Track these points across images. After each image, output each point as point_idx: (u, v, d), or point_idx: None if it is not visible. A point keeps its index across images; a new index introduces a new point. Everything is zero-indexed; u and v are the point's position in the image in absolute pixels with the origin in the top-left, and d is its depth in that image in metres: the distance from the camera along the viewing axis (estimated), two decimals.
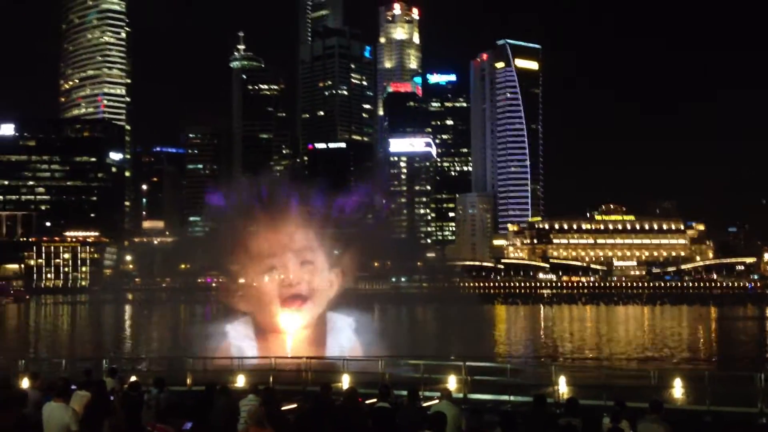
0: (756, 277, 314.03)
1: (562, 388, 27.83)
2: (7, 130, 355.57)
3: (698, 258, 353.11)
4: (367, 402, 19.59)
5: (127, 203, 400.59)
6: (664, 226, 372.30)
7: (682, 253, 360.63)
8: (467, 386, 28.39)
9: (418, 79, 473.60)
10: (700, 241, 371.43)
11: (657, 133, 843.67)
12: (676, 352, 68.10)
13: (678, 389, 28.82)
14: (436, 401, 18.74)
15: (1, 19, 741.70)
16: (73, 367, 34.15)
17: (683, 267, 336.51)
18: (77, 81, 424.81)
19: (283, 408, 17.84)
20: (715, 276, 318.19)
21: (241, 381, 30.34)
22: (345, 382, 29.06)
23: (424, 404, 18.68)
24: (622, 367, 49.27)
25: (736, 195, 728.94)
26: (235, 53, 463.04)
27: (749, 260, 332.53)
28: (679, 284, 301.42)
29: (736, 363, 56.28)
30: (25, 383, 25.29)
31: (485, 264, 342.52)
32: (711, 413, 24.07)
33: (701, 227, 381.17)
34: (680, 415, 22.48)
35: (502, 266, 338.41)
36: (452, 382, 28.41)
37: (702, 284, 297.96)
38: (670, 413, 15.51)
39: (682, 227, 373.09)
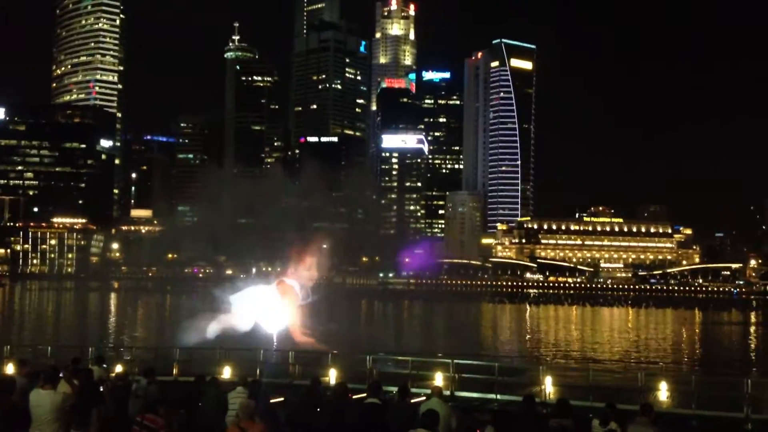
0: (741, 282, 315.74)
1: (549, 388, 27.85)
2: None
3: (685, 262, 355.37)
4: (356, 397, 19.55)
5: (115, 191, 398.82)
6: (652, 230, 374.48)
7: (669, 257, 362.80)
8: (455, 384, 28.38)
9: (412, 76, 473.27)
10: (687, 245, 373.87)
11: (648, 137, 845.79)
12: (661, 355, 68.39)
13: (664, 392, 28.89)
14: (424, 398, 18.73)
15: None
16: (59, 354, 33.95)
17: (669, 270, 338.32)
18: (69, 67, 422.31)
19: (270, 401, 17.76)
20: (700, 280, 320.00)
21: (227, 372, 30.22)
22: (332, 376, 29.01)
23: (413, 401, 18.63)
24: (608, 368, 49.44)
25: (724, 201, 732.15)
26: (230, 44, 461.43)
27: (735, 266, 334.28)
28: (665, 287, 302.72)
29: (721, 368, 56.56)
30: (9, 369, 25.13)
31: (473, 262, 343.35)
32: (697, 417, 24.13)
33: (689, 231, 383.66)
34: (666, 418, 22.49)
35: (489, 265, 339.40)
36: (439, 380, 28.38)
37: (687, 288, 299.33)
38: (656, 416, 15.51)
39: (670, 231, 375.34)
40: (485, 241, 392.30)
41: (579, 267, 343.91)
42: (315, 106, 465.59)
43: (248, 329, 46.68)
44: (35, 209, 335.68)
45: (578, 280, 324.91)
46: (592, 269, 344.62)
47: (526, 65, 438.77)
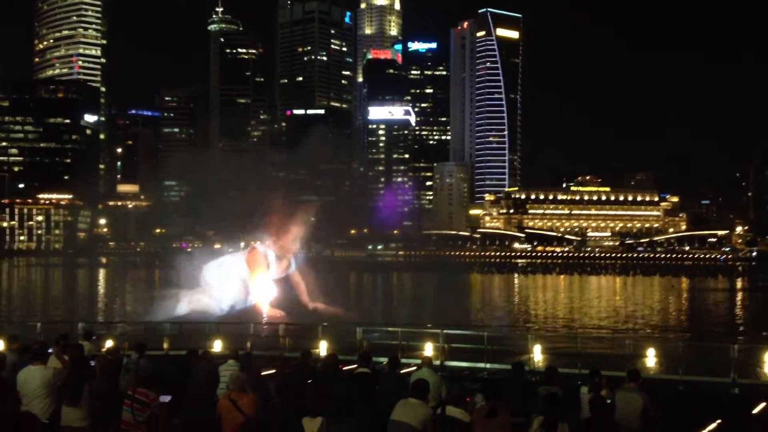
0: (727, 249, 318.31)
1: (538, 356, 28.07)
2: None
3: (671, 230, 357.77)
4: (346, 368, 19.65)
5: (101, 166, 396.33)
6: (639, 198, 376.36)
7: (656, 225, 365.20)
8: (444, 353, 28.56)
9: (398, 47, 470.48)
10: (673, 213, 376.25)
11: (634, 106, 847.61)
12: (649, 322, 68.98)
13: (651, 359, 29.19)
14: (414, 368, 18.85)
15: None
16: (48, 330, 33.90)
17: (656, 238, 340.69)
18: (52, 41, 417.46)
19: (262, 373, 17.82)
20: (687, 247, 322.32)
21: (218, 346, 30.30)
22: (322, 348, 29.13)
23: (403, 371, 18.74)
24: (596, 336, 49.86)
25: (710, 168, 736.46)
26: (213, 16, 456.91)
27: (721, 233, 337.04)
28: (652, 255, 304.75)
29: (708, 334, 57.15)
30: None
31: (461, 233, 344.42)
32: (684, 383, 24.40)
33: (675, 199, 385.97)
34: (654, 384, 22.74)
35: (478, 235, 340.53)
36: (429, 350, 28.55)
37: (674, 255, 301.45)
38: (644, 382, 15.65)
39: (656, 199, 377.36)
40: (473, 211, 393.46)
41: (566, 236, 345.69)
42: (300, 79, 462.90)
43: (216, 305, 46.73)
44: (21, 185, 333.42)
45: (566, 249, 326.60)
46: (579, 238, 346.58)
47: (513, 34, 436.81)
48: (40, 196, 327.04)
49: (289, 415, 11.54)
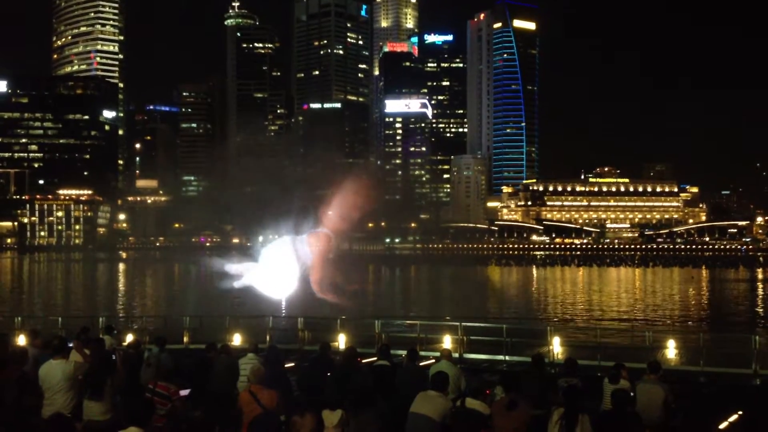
0: (748, 239, 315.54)
1: (557, 348, 27.94)
2: (0, 87, 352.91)
3: (691, 221, 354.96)
4: (365, 361, 19.69)
5: (120, 162, 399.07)
6: (658, 189, 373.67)
7: (676, 216, 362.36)
8: (463, 346, 28.52)
9: (414, 39, 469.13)
10: (693, 203, 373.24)
11: (653, 96, 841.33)
12: (669, 313, 68.55)
13: (672, 350, 28.99)
14: (434, 361, 18.85)
15: None
16: (69, 325, 34.18)
17: (676, 229, 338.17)
18: (70, 38, 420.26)
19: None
20: (707, 238, 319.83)
21: (237, 339, 30.44)
22: (341, 341, 29.16)
23: (422, 363, 18.74)
24: (616, 328, 49.61)
25: (730, 158, 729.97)
26: (230, 10, 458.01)
27: (742, 223, 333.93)
28: (672, 246, 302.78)
29: (728, 325, 56.73)
30: (21, 341, 25.35)
31: (479, 226, 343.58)
32: (705, 374, 24.24)
33: (695, 190, 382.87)
34: (675, 375, 22.62)
35: (496, 228, 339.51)
36: (448, 342, 28.52)
37: (694, 246, 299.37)
38: (664, 374, 15.59)
39: (676, 190, 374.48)
40: (491, 204, 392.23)
41: (585, 228, 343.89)
42: (317, 72, 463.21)
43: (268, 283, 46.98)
44: (41, 181, 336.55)
45: (585, 241, 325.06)
46: (598, 230, 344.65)
47: (530, 26, 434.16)
48: (60, 192, 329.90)
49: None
